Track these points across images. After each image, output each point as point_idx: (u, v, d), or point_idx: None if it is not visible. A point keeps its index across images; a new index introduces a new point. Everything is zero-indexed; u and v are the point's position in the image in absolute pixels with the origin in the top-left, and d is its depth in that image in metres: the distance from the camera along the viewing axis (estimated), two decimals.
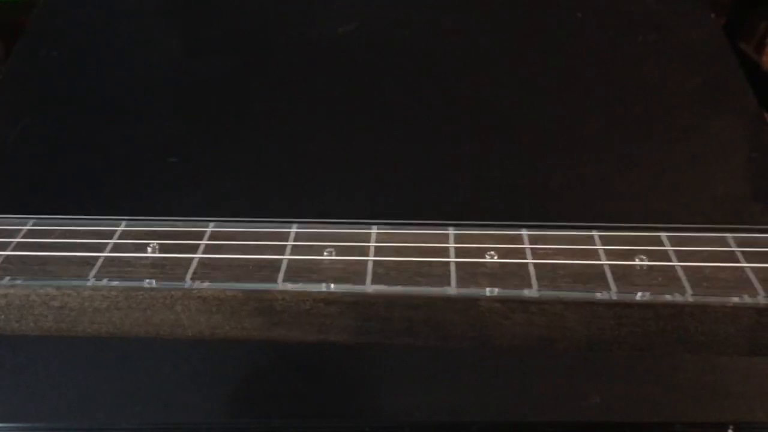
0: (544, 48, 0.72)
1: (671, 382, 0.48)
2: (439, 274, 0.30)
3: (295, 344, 0.49)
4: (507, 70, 0.70)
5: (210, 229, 0.34)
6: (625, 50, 0.72)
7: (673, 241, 0.31)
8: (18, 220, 0.35)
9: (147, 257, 0.32)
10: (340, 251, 0.32)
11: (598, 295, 0.29)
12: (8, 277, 0.31)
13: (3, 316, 0.32)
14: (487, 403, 0.47)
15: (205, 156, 0.63)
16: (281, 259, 0.32)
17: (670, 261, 0.30)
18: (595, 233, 0.31)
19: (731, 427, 0.45)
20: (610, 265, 0.30)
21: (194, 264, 0.32)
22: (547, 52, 0.72)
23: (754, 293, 0.28)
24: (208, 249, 0.33)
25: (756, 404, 0.46)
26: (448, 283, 0.30)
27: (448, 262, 0.31)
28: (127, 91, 0.70)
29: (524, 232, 0.32)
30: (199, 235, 0.33)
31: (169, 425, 0.47)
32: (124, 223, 0.34)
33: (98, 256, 0.32)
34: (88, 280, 0.31)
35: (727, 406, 0.46)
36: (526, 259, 0.30)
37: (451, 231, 0.32)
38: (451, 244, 0.31)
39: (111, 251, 0.32)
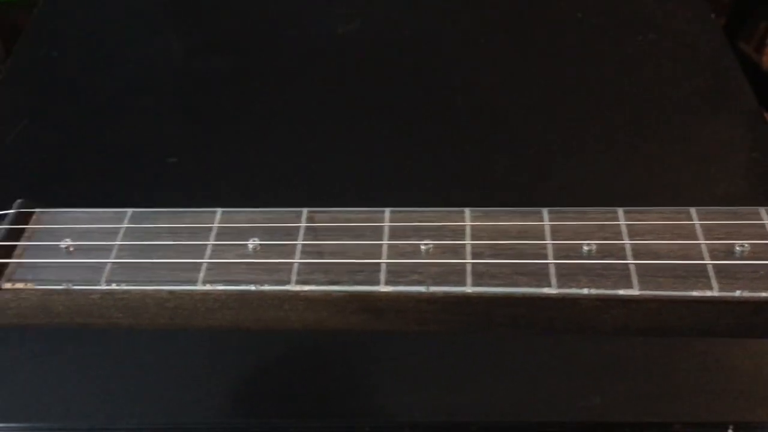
0: (544, 47, 0.72)
1: (671, 382, 0.48)
2: (538, 273, 0.30)
3: (299, 344, 0.50)
4: (506, 69, 0.70)
5: (302, 224, 0.34)
6: (625, 50, 0.72)
7: None
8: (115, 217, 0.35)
9: (251, 262, 0.33)
10: (437, 247, 0.32)
11: (696, 293, 0.29)
12: (123, 283, 0.32)
13: (121, 315, 0.33)
14: (487, 403, 0.47)
15: (206, 156, 0.63)
16: (380, 263, 0.32)
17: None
18: (696, 222, 0.31)
19: (731, 426, 0.45)
20: (712, 264, 0.29)
21: (296, 267, 0.32)
22: (547, 51, 0.72)
23: None
24: (305, 251, 0.33)
25: (756, 404, 0.46)
26: (548, 283, 0.30)
27: (546, 263, 0.30)
28: (127, 90, 0.70)
29: (622, 222, 0.31)
30: (295, 234, 0.34)
31: (169, 425, 0.47)
32: (218, 217, 0.35)
33: (202, 262, 0.33)
34: (198, 284, 0.32)
35: (728, 405, 0.46)
36: (626, 259, 0.30)
37: (546, 223, 0.32)
38: (549, 241, 0.31)
39: (213, 254, 0.33)
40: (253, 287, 0.32)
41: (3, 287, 0.35)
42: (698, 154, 0.62)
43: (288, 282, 0.31)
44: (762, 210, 0.31)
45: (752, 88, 0.67)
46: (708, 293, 0.28)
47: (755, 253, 0.29)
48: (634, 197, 0.58)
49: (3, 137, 0.65)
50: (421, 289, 0.31)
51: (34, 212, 0.38)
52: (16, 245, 0.36)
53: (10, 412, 0.47)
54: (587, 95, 0.68)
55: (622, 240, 0.31)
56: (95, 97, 0.69)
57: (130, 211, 0.36)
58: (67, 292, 0.34)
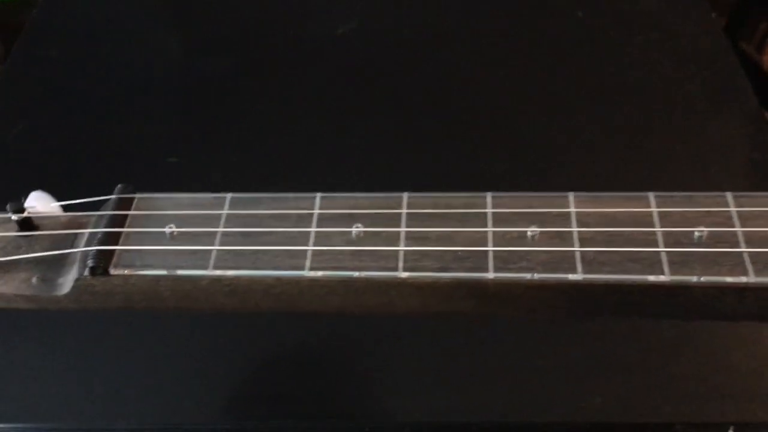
0: (544, 47, 0.72)
1: (672, 383, 0.48)
2: (649, 259, 0.30)
3: (299, 344, 0.50)
4: (506, 69, 0.70)
5: (404, 210, 0.34)
6: (626, 50, 0.72)
7: None
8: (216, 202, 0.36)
9: (354, 249, 0.33)
10: (544, 233, 0.32)
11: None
12: (230, 269, 0.33)
13: (227, 300, 0.34)
14: (487, 403, 0.47)
15: (206, 156, 0.63)
16: (487, 251, 0.32)
17: None
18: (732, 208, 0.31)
19: (732, 427, 0.45)
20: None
21: (402, 254, 0.32)
22: (547, 50, 0.72)
23: None
24: (410, 237, 0.33)
25: (757, 404, 0.46)
26: (661, 271, 0.30)
27: (657, 251, 0.30)
28: (126, 90, 0.70)
29: (732, 209, 0.31)
30: (397, 220, 0.34)
31: (169, 425, 0.47)
32: (318, 202, 0.35)
33: (308, 249, 0.33)
34: (305, 270, 0.32)
35: (729, 406, 0.46)
36: (738, 247, 0.30)
37: (653, 209, 0.32)
38: (658, 228, 0.31)
39: (317, 241, 0.33)
40: (358, 274, 0.32)
41: (112, 273, 0.35)
42: (699, 154, 0.62)
43: (395, 269, 0.31)
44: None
45: (753, 88, 0.67)
46: None
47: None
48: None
49: (2, 137, 0.65)
50: (530, 276, 0.31)
51: (134, 197, 0.38)
52: (121, 231, 0.36)
53: (9, 412, 0.47)
54: (587, 95, 0.68)
55: (734, 227, 0.30)
56: (94, 96, 0.69)
57: (228, 195, 0.36)
58: (174, 277, 0.34)
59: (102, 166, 0.63)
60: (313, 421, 0.47)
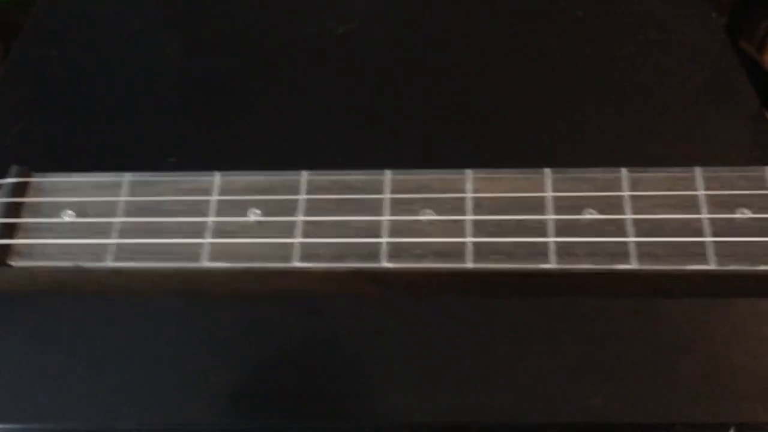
0: (544, 46, 0.72)
1: (673, 383, 0.48)
2: (538, 247, 0.30)
3: (299, 344, 0.50)
4: (506, 68, 0.70)
5: (302, 196, 0.34)
6: (626, 49, 0.71)
7: None
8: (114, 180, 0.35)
9: (254, 242, 0.33)
10: (439, 221, 0.32)
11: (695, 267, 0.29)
12: (130, 261, 0.33)
13: (129, 290, 0.34)
14: (487, 403, 0.47)
15: (206, 155, 0.63)
16: (380, 242, 0.32)
17: None
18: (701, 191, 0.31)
19: (733, 427, 0.45)
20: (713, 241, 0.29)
21: (298, 245, 0.32)
22: (547, 49, 0.72)
23: None
24: (306, 225, 0.33)
25: (758, 405, 0.46)
26: (548, 260, 0.30)
27: (546, 241, 0.31)
28: (125, 90, 0.70)
29: (625, 193, 0.31)
30: (294, 206, 0.34)
31: (169, 425, 0.47)
32: (216, 185, 0.35)
33: (204, 242, 0.33)
34: (202, 262, 0.32)
35: (730, 406, 0.46)
36: (626, 235, 0.30)
37: (549, 193, 0.32)
38: (550, 216, 0.31)
39: (215, 229, 0.33)
40: (256, 264, 0.32)
41: (12, 265, 0.35)
42: (699, 154, 0.62)
43: (291, 259, 0.32)
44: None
45: (754, 88, 0.67)
46: (705, 267, 0.28)
47: (758, 226, 0.29)
48: None
49: (1, 136, 0.65)
50: (423, 264, 0.31)
51: (29, 182, 0.37)
52: (16, 223, 0.36)
53: (9, 412, 0.47)
54: (587, 94, 0.68)
55: (624, 215, 0.31)
56: (94, 96, 0.69)
57: (127, 177, 0.36)
58: (75, 269, 0.34)
59: (101, 166, 0.62)
60: (313, 421, 0.47)
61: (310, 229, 0.32)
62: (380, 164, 0.62)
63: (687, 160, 0.62)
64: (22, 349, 0.50)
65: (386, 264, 0.31)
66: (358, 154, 0.63)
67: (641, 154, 0.62)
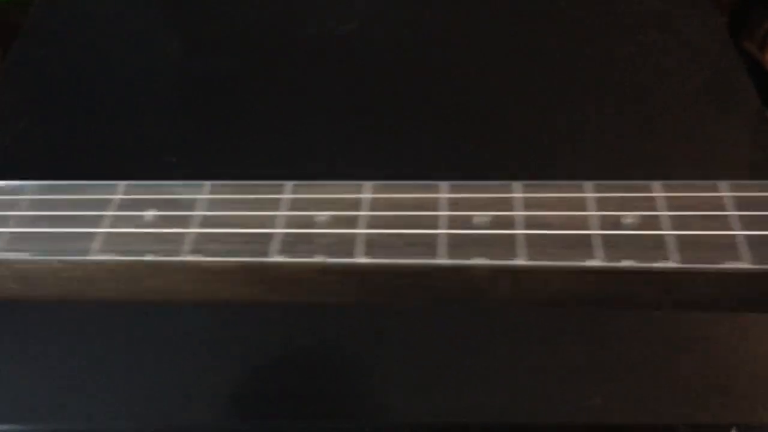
0: (544, 46, 0.72)
1: (674, 383, 0.48)
2: (429, 243, 0.31)
3: (299, 344, 0.50)
4: (507, 69, 0.70)
5: (206, 196, 0.35)
6: (627, 49, 0.71)
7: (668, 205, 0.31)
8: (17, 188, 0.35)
9: (147, 232, 0.33)
10: (333, 219, 0.32)
11: (584, 263, 0.29)
12: (21, 252, 0.33)
13: (16, 285, 0.33)
14: (487, 404, 0.47)
15: (205, 155, 0.63)
16: (273, 233, 0.32)
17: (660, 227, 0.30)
18: (589, 194, 0.32)
19: (734, 428, 0.45)
20: (601, 234, 0.30)
21: (189, 237, 0.32)
22: (548, 50, 0.72)
23: (738, 258, 0.29)
24: (202, 221, 0.33)
25: (759, 405, 0.46)
26: (439, 254, 0.30)
27: (436, 233, 0.31)
28: (125, 90, 0.70)
29: (517, 194, 0.32)
30: (192, 205, 0.34)
31: (169, 425, 0.47)
32: (121, 191, 0.35)
33: (96, 232, 0.33)
34: (90, 255, 0.32)
35: (731, 407, 0.46)
36: (515, 229, 0.31)
37: (443, 194, 0.32)
38: (442, 212, 0.32)
39: (111, 225, 0.33)
40: (146, 257, 0.32)
41: None
42: (701, 154, 0.62)
43: (180, 252, 0.31)
44: (654, 183, 0.31)
45: (755, 88, 0.67)
46: (594, 263, 0.29)
47: (643, 225, 0.30)
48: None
49: (1, 136, 0.65)
50: (314, 259, 0.31)
51: None
52: None
53: (9, 412, 0.47)
54: (588, 94, 0.68)
55: (515, 211, 0.31)
56: (93, 96, 0.69)
57: (29, 183, 0.36)
58: None
59: (101, 165, 0.62)
60: (313, 421, 0.47)
61: (206, 226, 0.33)
62: (379, 163, 0.62)
63: (687, 159, 0.62)
64: (22, 350, 0.50)
65: (276, 258, 0.31)
66: (355, 154, 0.63)
67: (641, 154, 0.62)
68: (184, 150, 0.63)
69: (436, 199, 0.32)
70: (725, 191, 0.32)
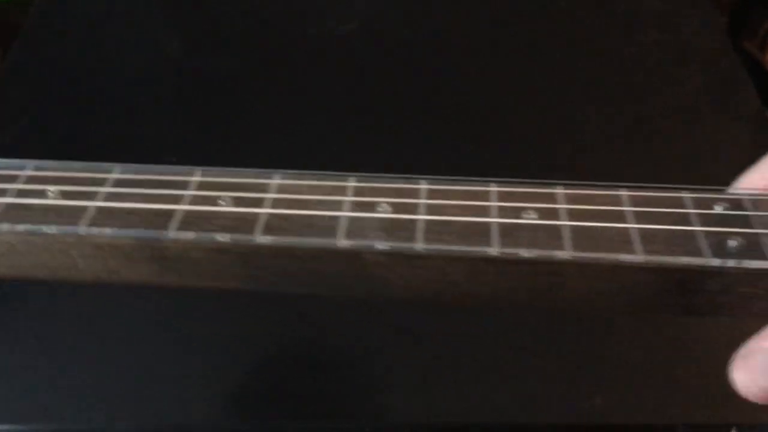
0: (545, 46, 0.72)
1: (674, 384, 0.48)
2: (329, 227, 0.31)
3: (300, 344, 0.50)
4: (507, 69, 0.70)
5: (114, 175, 0.35)
6: (627, 49, 0.71)
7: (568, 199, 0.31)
8: None
9: (47, 203, 0.33)
10: (236, 200, 0.32)
11: (482, 251, 0.29)
12: None
13: None
14: (487, 404, 0.47)
15: (205, 155, 0.63)
16: (174, 210, 0.32)
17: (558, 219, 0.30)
18: (493, 188, 0.32)
19: (735, 428, 0.45)
20: (498, 220, 0.30)
21: (91, 211, 0.32)
22: (548, 50, 0.72)
23: (632, 251, 0.29)
24: (109, 196, 0.33)
25: (759, 405, 0.46)
26: (336, 236, 0.30)
27: (340, 216, 0.31)
28: (125, 90, 0.70)
29: (423, 186, 0.32)
30: (102, 182, 0.34)
31: (169, 425, 0.47)
32: (30, 168, 0.35)
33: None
34: None
35: (731, 407, 0.46)
36: (417, 214, 0.31)
37: (351, 183, 0.33)
38: (347, 197, 0.32)
39: (15, 196, 0.33)
40: (43, 229, 0.32)
41: None
42: (701, 154, 0.62)
43: (77, 224, 0.31)
44: (558, 186, 0.32)
45: (755, 88, 0.67)
46: (493, 252, 0.29)
47: (541, 217, 0.30)
48: None
49: (1, 137, 0.65)
50: (213, 237, 0.31)
51: None
52: None
53: (9, 412, 0.47)
54: (588, 94, 0.68)
55: (417, 199, 0.31)
56: (93, 96, 0.69)
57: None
58: None
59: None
60: (313, 421, 0.47)
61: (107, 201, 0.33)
62: (378, 164, 0.62)
63: (688, 159, 0.62)
64: (22, 350, 0.50)
65: (173, 235, 0.31)
66: (354, 152, 0.63)
67: (641, 154, 0.62)
68: (184, 150, 0.63)
69: (344, 187, 0.32)
70: (624, 191, 0.32)
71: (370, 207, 0.31)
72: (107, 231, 0.31)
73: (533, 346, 0.49)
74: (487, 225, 0.30)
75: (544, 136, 0.64)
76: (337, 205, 0.31)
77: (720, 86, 0.68)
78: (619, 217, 0.30)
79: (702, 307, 0.30)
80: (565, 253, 0.29)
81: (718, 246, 0.29)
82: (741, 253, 0.29)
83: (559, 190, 0.32)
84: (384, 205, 0.31)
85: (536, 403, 0.47)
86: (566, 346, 0.49)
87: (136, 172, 0.35)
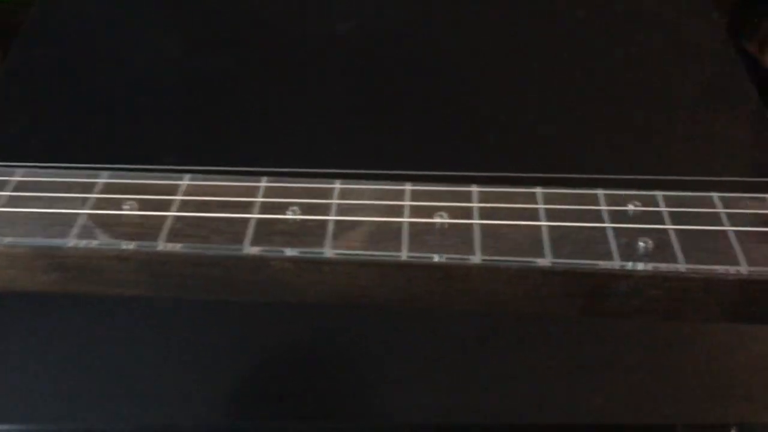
0: (544, 47, 0.72)
1: (674, 383, 0.48)
2: (237, 232, 0.30)
3: (299, 344, 0.50)
4: (506, 69, 0.70)
5: (17, 178, 0.34)
6: (627, 49, 0.71)
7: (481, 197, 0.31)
8: None
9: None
10: (142, 204, 0.31)
11: (391, 256, 0.29)
12: None
13: None
14: (487, 404, 0.47)
15: (204, 156, 0.63)
16: (78, 213, 0.31)
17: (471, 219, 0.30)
18: (407, 186, 0.31)
19: (734, 427, 0.45)
20: (409, 222, 0.30)
21: None
22: (547, 50, 0.72)
23: (541, 254, 0.29)
24: (12, 201, 0.32)
25: (759, 405, 0.46)
26: (243, 242, 0.29)
27: (248, 219, 0.30)
28: (124, 90, 0.70)
29: (337, 185, 0.32)
30: (2, 185, 0.33)
31: (169, 425, 0.47)
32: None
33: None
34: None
35: (731, 406, 0.46)
36: (329, 215, 0.30)
37: (263, 183, 0.32)
38: (256, 198, 0.31)
39: None
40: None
41: None
42: (701, 154, 0.62)
43: None
44: (473, 186, 0.31)
45: (755, 88, 0.67)
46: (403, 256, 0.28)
47: (453, 221, 0.30)
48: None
49: (0, 137, 0.65)
50: (116, 245, 0.30)
51: None
52: None
53: (9, 412, 0.47)
54: (587, 94, 0.68)
55: (330, 199, 0.30)
56: (93, 96, 0.69)
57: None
58: None
59: (101, 166, 0.62)
60: (313, 421, 0.47)
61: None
62: (378, 163, 0.62)
63: (687, 159, 0.62)
64: (22, 350, 0.50)
65: (73, 243, 0.30)
66: (354, 152, 0.63)
67: (641, 154, 0.62)
68: (185, 149, 0.63)
69: (255, 188, 0.32)
70: (539, 189, 0.31)
71: (280, 209, 0.30)
72: (5, 240, 0.30)
73: (533, 345, 0.49)
74: (398, 227, 0.29)
75: (542, 135, 0.64)
76: (246, 207, 0.30)
77: (719, 86, 0.68)
78: (533, 215, 0.29)
79: (612, 310, 0.29)
80: (474, 258, 0.28)
81: (628, 247, 0.28)
82: (650, 255, 0.28)
83: (474, 189, 0.31)
84: (294, 207, 0.30)
85: (536, 403, 0.47)
86: (565, 346, 0.49)
87: (40, 175, 0.34)
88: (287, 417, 0.47)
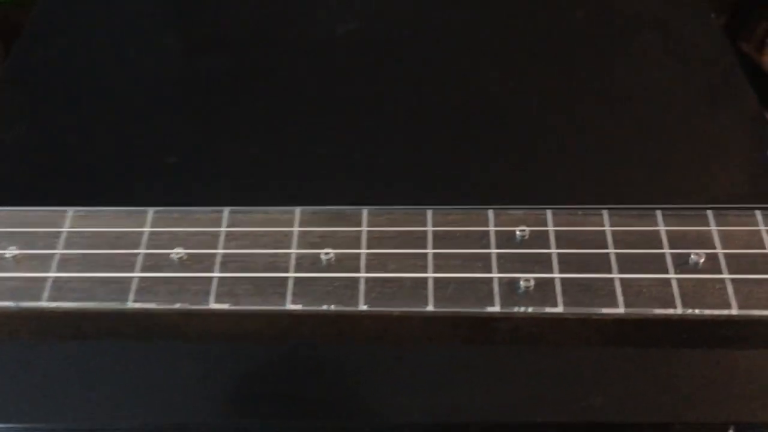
0: (543, 47, 0.72)
1: (672, 383, 0.48)
2: (122, 284, 0.29)
3: (299, 344, 0.50)
4: (505, 69, 0.70)
5: None
6: (624, 49, 0.72)
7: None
8: None
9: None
10: (25, 256, 0.30)
11: (276, 307, 0.28)
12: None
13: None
14: (487, 403, 0.47)
15: (205, 155, 0.63)
16: None
17: None
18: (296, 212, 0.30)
19: (732, 427, 0.45)
20: (296, 264, 0.29)
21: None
22: (546, 50, 0.72)
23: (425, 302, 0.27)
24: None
25: (758, 405, 0.46)
26: (128, 298, 0.29)
27: (131, 276, 0.29)
28: (125, 90, 0.70)
29: (225, 213, 0.31)
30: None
31: (169, 425, 0.47)
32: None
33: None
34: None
35: (729, 406, 0.46)
36: (216, 250, 0.29)
37: (149, 215, 0.31)
38: (140, 250, 0.30)
39: None
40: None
41: None
42: (698, 155, 0.62)
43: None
44: (364, 210, 0.30)
45: (753, 89, 0.67)
46: (290, 307, 0.28)
47: (340, 262, 0.29)
48: (632, 198, 0.58)
49: (1, 137, 0.65)
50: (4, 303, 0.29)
51: None
52: None
53: (9, 412, 0.47)
54: (585, 95, 0.68)
55: (215, 249, 0.30)
56: (93, 96, 0.69)
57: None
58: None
59: (101, 165, 0.62)
60: (313, 421, 0.47)
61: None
62: (378, 163, 0.62)
63: (687, 160, 0.62)
64: (22, 349, 0.50)
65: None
66: (354, 152, 0.63)
67: (640, 155, 0.62)
68: (185, 150, 0.63)
69: (143, 220, 0.31)
70: (430, 209, 0.30)
71: (166, 248, 0.29)
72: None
73: (533, 345, 0.49)
74: (285, 266, 0.28)
75: (541, 136, 0.64)
76: (133, 242, 0.29)
77: (718, 87, 0.68)
78: (421, 241, 0.28)
79: (496, 343, 0.29)
80: (361, 307, 0.28)
81: (509, 289, 0.28)
82: (530, 298, 0.28)
83: (364, 209, 0.30)
84: (179, 249, 0.29)
85: (536, 403, 0.47)
86: (564, 346, 0.49)
87: None
88: (287, 417, 0.47)
